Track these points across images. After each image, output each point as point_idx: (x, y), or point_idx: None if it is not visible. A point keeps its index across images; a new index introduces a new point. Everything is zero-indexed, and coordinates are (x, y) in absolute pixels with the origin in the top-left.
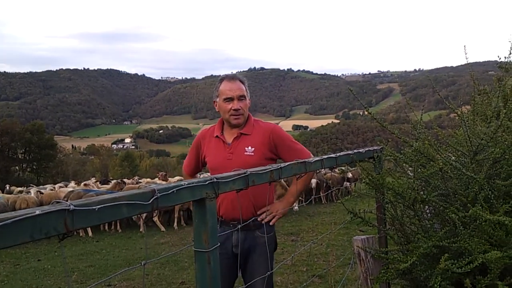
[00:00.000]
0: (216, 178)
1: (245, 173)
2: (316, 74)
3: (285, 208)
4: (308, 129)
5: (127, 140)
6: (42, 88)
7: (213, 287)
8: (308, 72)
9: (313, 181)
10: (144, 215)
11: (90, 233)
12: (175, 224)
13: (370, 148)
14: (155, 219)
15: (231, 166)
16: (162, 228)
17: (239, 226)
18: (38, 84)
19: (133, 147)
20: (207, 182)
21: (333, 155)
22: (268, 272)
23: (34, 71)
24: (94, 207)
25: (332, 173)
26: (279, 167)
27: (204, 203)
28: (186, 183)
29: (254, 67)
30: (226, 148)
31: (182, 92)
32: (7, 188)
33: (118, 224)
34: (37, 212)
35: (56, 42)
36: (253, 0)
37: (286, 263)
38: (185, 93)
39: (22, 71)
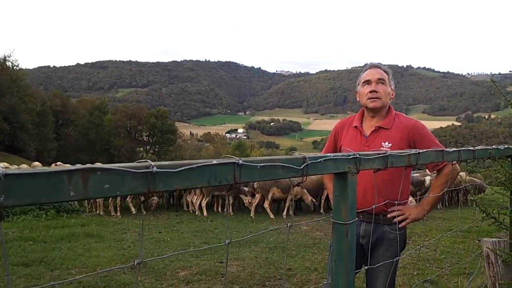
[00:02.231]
0: (359, 155)
1: (384, 153)
2: (438, 72)
3: (418, 214)
4: None
5: (240, 130)
6: (167, 77)
7: (349, 259)
8: (429, 69)
9: (427, 178)
10: (256, 201)
11: (205, 213)
12: (284, 212)
13: (511, 146)
14: (266, 205)
15: None
16: (271, 215)
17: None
18: (164, 73)
19: (245, 137)
20: (350, 157)
21: (471, 148)
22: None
23: (161, 61)
24: (257, 165)
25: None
26: (417, 152)
27: (346, 177)
28: (332, 155)
29: (370, 63)
30: (363, 140)
31: (295, 86)
32: None
33: (230, 207)
34: (214, 162)
35: (183, 35)
36: None
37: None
38: (298, 87)
39: (151, 60)
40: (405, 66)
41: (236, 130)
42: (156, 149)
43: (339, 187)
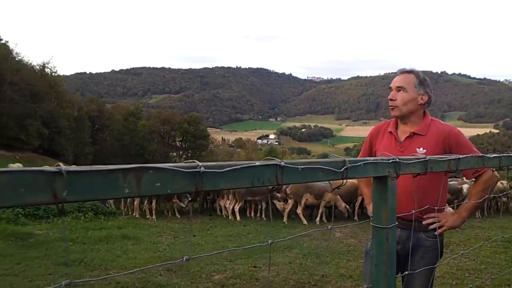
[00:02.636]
0: (399, 159)
1: (424, 158)
2: (474, 78)
3: (455, 222)
4: None
5: (271, 136)
6: (199, 84)
7: (389, 263)
8: (464, 76)
9: (465, 186)
10: (289, 207)
11: (238, 218)
12: (318, 219)
13: None
14: (299, 211)
15: None
16: (305, 221)
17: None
18: (196, 80)
19: (276, 143)
20: (390, 161)
21: None
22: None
23: (193, 67)
24: (298, 167)
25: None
26: (457, 157)
27: (386, 181)
28: (372, 159)
29: (399, 69)
30: (397, 145)
31: (326, 92)
32: None
33: (263, 212)
34: (257, 164)
35: (214, 42)
36: None
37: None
38: (329, 93)
39: (183, 67)
40: (439, 72)
41: (267, 136)
42: (189, 154)
43: (379, 191)
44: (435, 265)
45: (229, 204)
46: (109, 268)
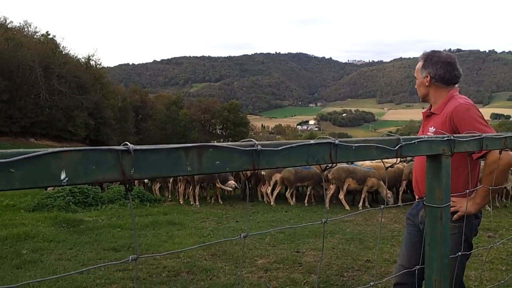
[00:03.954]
0: (453, 136)
1: (480, 135)
2: None
3: (469, 208)
4: (511, 119)
5: (311, 122)
6: (239, 71)
7: (443, 243)
8: None
9: None
10: (331, 192)
11: (291, 202)
12: (360, 204)
13: None
14: (341, 196)
15: None
16: (347, 207)
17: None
18: (236, 67)
19: (316, 129)
20: (444, 139)
21: None
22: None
23: (232, 55)
24: (352, 145)
25: None
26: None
27: (440, 159)
28: (426, 137)
29: (450, 49)
30: (423, 124)
31: (368, 76)
32: None
33: (306, 197)
34: (312, 142)
35: (253, 29)
36: None
37: (480, 258)
38: (371, 77)
39: (222, 55)
40: (487, 51)
41: (307, 122)
42: (229, 142)
43: (433, 169)
44: (457, 254)
45: (272, 190)
46: (155, 252)
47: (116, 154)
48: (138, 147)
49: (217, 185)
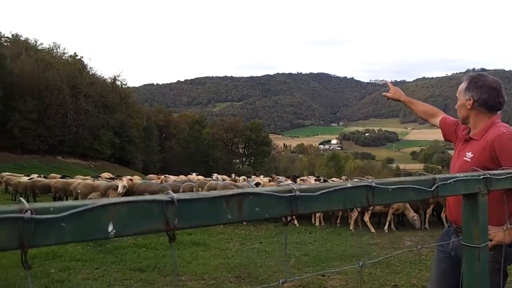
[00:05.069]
0: (490, 174)
1: None
2: None
3: (504, 238)
4: None
5: (334, 141)
6: (261, 91)
7: (481, 283)
8: None
9: None
10: (356, 214)
11: (317, 223)
12: (386, 226)
13: None
14: (366, 219)
15: (454, 168)
16: (372, 229)
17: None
18: (258, 87)
19: (339, 148)
20: (481, 177)
21: None
22: None
23: (254, 75)
24: (388, 187)
25: None
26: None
27: (477, 198)
28: (462, 175)
29: (473, 68)
30: (458, 148)
31: None
32: (215, 176)
33: (338, 219)
34: (349, 185)
35: (275, 49)
36: None
37: None
38: None
39: (245, 75)
40: None
41: (329, 141)
42: (252, 161)
43: (469, 208)
44: (495, 280)
45: None
46: (180, 274)
47: (160, 205)
48: (182, 196)
49: None
